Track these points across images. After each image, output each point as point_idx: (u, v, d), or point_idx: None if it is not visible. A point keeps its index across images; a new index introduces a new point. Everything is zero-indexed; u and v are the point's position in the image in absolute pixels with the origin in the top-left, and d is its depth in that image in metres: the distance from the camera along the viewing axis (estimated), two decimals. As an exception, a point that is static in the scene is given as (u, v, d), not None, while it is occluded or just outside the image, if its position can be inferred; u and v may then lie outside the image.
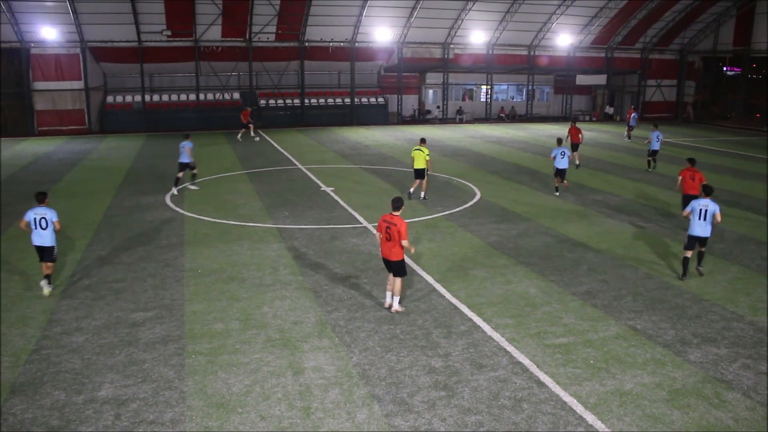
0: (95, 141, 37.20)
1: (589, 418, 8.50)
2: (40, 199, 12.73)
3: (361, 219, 18.76)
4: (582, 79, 51.84)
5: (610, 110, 54.96)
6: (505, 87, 53.75)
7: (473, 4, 44.26)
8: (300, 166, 28.10)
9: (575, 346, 10.60)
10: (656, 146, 28.29)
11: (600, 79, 52.79)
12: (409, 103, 49.95)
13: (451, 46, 48.36)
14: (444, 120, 49.65)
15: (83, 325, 11.21)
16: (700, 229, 13.88)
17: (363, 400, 8.83)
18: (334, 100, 46.56)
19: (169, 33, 40.56)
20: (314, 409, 8.62)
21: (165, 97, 43.33)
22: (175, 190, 22.19)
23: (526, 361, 10.02)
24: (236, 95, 44.49)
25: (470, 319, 11.61)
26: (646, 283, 13.80)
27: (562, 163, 22.35)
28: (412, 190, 21.78)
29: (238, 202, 20.89)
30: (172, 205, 20.38)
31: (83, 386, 9.14)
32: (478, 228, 17.92)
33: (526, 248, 16.15)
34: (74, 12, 37.68)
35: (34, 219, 12.42)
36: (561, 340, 10.84)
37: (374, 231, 17.35)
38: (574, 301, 12.63)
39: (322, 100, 46.30)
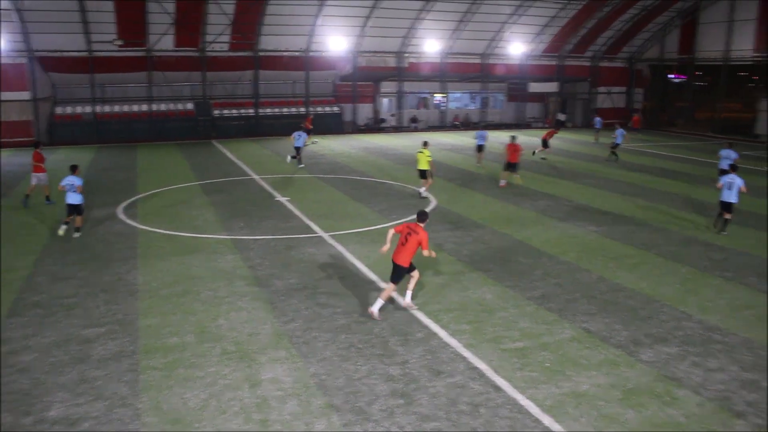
0: (44, 153, 36.29)
1: (546, 420, 8.62)
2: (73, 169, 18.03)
3: (317, 228, 18.71)
4: (534, 87, 52.67)
5: (562, 117, 55.89)
6: (459, 95, 54.25)
7: (427, 13, 44.65)
8: (255, 176, 27.92)
9: (531, 350, 10.75)
10: (619, 140, 33.95)
11: (552, 87, 53.69)
12: (364, 111, 50.04)
13: (406, 55, 48.65)
14: (399, 128, 49.87)
15: (32, 343, 10.92)
16: (730, 196, 18.36)
17: (321, 411, 8.81)
18: (289, 109, 46.40)
19: (120, 42, 39.92)
20: (272, 421, 8.56)
21: (116, 108, 42.56)
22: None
23: (483, 366, 10.12)
24: (189, 105, 44.00)
25: (427, 326, 11.68)
26: (599, 286, 14.07)
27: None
28: (423, 192, 23.34)
29: (192, 214, 20.65)
30: (124, 218, 20.04)
31: (32, 407, 8.90)
32: (434, 235, 18.02)
33: (481, 254, 16.32)
34: (21, 20, 36.83)
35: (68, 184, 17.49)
36: (517, 344, 10.98)
37: (330, 240, 17.37)
38: (530, 306, 12.80)
39: (277, 110, 46.08)
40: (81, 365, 10.10)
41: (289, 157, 31.34)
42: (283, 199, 22.84)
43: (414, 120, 50.80)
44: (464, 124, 52.21)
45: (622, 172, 30.31)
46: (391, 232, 12.60)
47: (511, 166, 26.03)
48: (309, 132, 38.02)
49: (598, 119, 45.90)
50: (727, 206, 18.65)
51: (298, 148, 30.38)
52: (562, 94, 55.78)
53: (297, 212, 20.84)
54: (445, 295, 13.36)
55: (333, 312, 12.35)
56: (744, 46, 48.06)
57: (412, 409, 8.85)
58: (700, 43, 51.60)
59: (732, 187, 18.49)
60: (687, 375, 9.99)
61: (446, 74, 50.35)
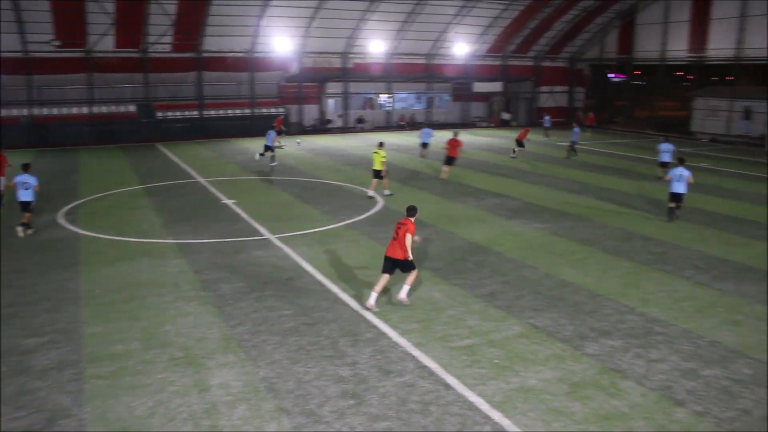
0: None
1: (496, 416, 8.76)
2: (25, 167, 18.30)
3: (264, 231, 18.59)
4: (479, 87, 53.30)
5: (506, 116, 56.71)
6: (405, 95, 54.53)
7: (372, 14, 44.78)
8: (200, 179, 27.56)
9: (480, 347, 10.90)
10: (575, 138, 35.54)
11: (496, 86, 54.42)
12: (311, 112, 49.87)
13: (351, 55, 48.69)
14: (345, 129, 49.86)
15: (-30, 354, 10.60)
16: (678, 187, 19.72)
17: (271, 414, 8.78)
18: (234, 111, 45.90)
19: (58, 43, 38.89)
20: (221, 426, 8.49)
21: (55, 111, 41.42)
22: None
23: (432, 365, 10.22)
24: (132, 107, 43.11)
25: (376, 326, 11.74)
26: (545, 282, 14.35)
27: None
28: (370, 192, 23.54)
29: (136, 218, 20.28)
30: (65, 224, 19.55)
31: (-28, 419, 8.64)
32: (382, 236, 18.09)
33: (429, 253, 16.47)
34: (-48, 21, 35.60)
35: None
36: (466, 341, 11.12)
37: (278, 242, 17.32)
38: (478, 303, 12.98)
39: (221, 112, 45.54)
40: (21, 377, 9.82)
41: (257, 155, 32.29)
42: (229, 202, 22.61)
43: (360, 120, 50.87)
44: (410, 125, 52.49)
45: (566, 169, 30.93)
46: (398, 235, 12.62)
47: (450, 160, 27.74)
48: (279, 132, 37.41)
49: (547, 117, 46.96)
50: (677, 197, 19.96)
51: (267, 147, 31.03)
52: (506, 94, 56.61)
53: (244, 215, 20.66)
54: (393, 294, 13.43)
55: (281, 315, 12.30)
56: (679, 47, 49.62)
57: (362, 410, 8.89)
58: (637, 43, 53.09)
59: (681, 179, 19.81)
60: (630, 366, 10.28)
61: (392, 75, 50.56)
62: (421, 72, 51.93)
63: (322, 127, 49.62)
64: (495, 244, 17.49)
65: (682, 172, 19.88)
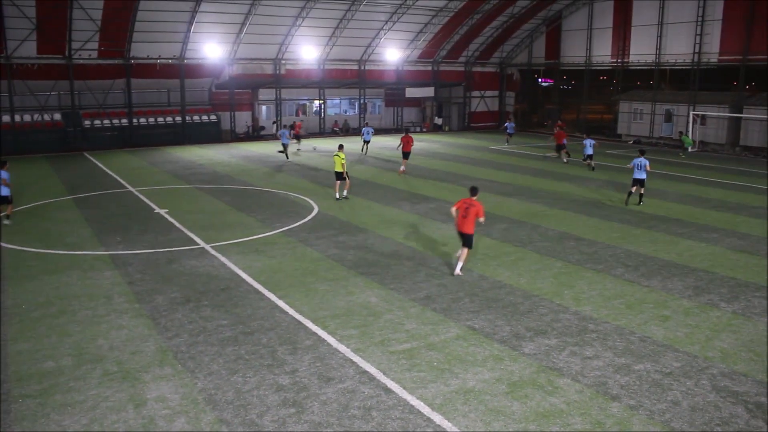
0: None
1: (437, 418, 8.83)
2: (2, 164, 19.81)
3: (198, 240, 18.27)
4: (411, 92, 53.72)
5: (439, 121, 57.34)
6: (337, 101, 54.54)
7: (303, 20, 44.59)
8: (131, 188, 26.89)
9: (418, 351, 10.98)
10: (510, 129, 40.77)
11: (428, 92, 54.94)
12: (243, 119, 49.30)
13: (283, 61, 48.38)
14: (278, 136, 49.44)
15: None
16: (639, 174, 23.00)
17: (211, 426, 8.62)
18: (165, 118, 44.96)
19: (-26, 50, 37.36)
20: (159, 441, 8.30)
21: (-27, 120, 39.72)
22: None
23: (372, 370, 10.24)
24: (57, 116, 41.73)
25: (315, 333, 11.69)
26: (481, 284, 14.56)
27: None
28: (337, 194, 24.32)
29: (65, 230, 19.63)
30: (-13, 238, 18.77)
31: None
32: (318, 242, 18.06)
33: (365, 258, 16.50)
34: None
35: None
36: (404, 345, 11.18)
37: (213, 251, 17.04)
38: (415, 307, 13.07)
39: (151, 119, 44.53)
40: (-56, 398, 9.38)
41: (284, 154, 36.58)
42: (162, 211, 22.13)
43: (293, 127, 50.50)
44: (343, 130, 52.50)
45: (497, 172, 31.48)
46: (453, 209, 15.42)
47: (405, 155, 31.43)
48: (297, 138, 40.77)
49: (509, 124, 46.91)
50: (639, 182, 23.33)
51: (285, 145, 36.44)
52: (438, 99, 57.23)
53: (177, 224, 20.26)
54: (330, 301, 13.41)
55: (218, 325, 12.12)
56: (603, 52, 51.22)
57: (304, 418, 8.83)
58: (564, 49, 54.58)
59: (641, 167, 23.10)
60: (566, 364, 10.53)
61: (324, 81, 50.48)
62: (353, 78, 52.04)
63: (254, 134, 49.10)
64: (430, 248, 17.65)
65: (641, 161, 23.15)
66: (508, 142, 45.79)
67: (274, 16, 43.49)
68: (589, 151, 32.65)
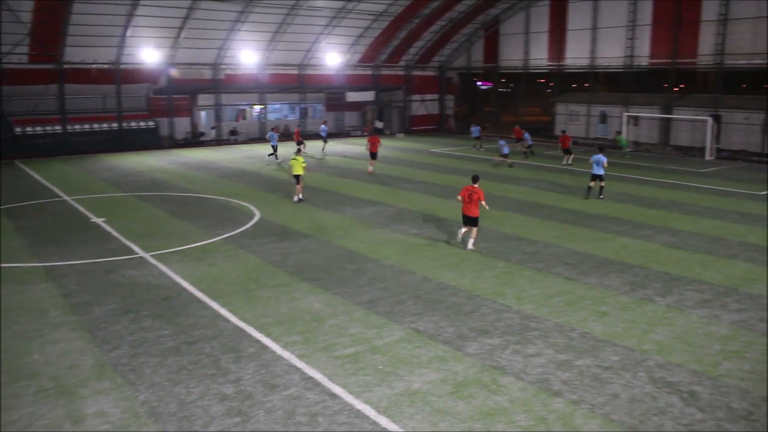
0: None
1: (383, 421, 8.85)
2: None
3: (137, 249, 17.87)
4: (352, 96, 53.75)
5: (380, 125, 57.49)
6: (278, 106, 54.15)
7: (242, 24, 44.17)
8: (66, 197, 26.12)
9: (363, 355, 10.98)
10: (476, 133, 39.57)
11: (369, 96, 55.07)
12: (182, 125, 48.44)
13: (222, 66, 47.80)
14: (219, 141, 48.85)
15: None
16: (597, 170, 24.88)
17: (152, 439, 8.45)
18: (101, 125, 43.82)
19: None
20: (98, 456, 8.08)
21: None
22: None
23: (317, 375, 10.19)
24: (-15, 123, 40.22)
25: (259, 341, 11.57)
26: (424, 286, 14.66)
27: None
28: (300, 196, 24.72)
29: (-5, 242, 18.96)
30: None
31: None
32: (260, 248, 17.90)
33: (308, 264, 16.43)
34: None
35: None
36: (349, 350, 11.17)
37: (152, 260, 16.70)
38: (359, 311, 13.07)
39: (87, 126, 43.32)
40: None
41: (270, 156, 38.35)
42: (98, 221, 21.57)
43: (234, 132, 49.94)
44: (285, 135, 52.14)
45: (439, 175, 31.76)
46: (459, 196, 17.99)
47: (373, 156, 32.53)
48: (299, 143, 39.83)
49: (475, 128, 46.43)
50: (597, 177, 25.09)
51: (274, 147, 38.28)
52: (378, 103, 57.43)
53: (115, 233, 19.78)
54: (274, 307, 13.30)
55: (160, 335, 11.88)
56: (540, 56, 52.30)
57: (249, 427, 8.73)
58: (502, 52, 55.50)
59: (599, 163, 24.85)
60: (509, 363, 10.69)
61: (264, 85, 50.08)
62: (293, 82, 51.76)
63: (194, 140, 48.34)
64: (373, 251, 17.69)
65: (599, 158, 24.89)
66: (476, 147, 44.64)
67: (212, 21, 42.94)
68: (506, 150, 34.82)
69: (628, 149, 41.55)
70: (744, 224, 21.21)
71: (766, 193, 27.41)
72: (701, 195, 26.72)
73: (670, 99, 45.32)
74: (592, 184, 25.44)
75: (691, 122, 42.39)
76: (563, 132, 40.38)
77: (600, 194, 25.36)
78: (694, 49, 42.53)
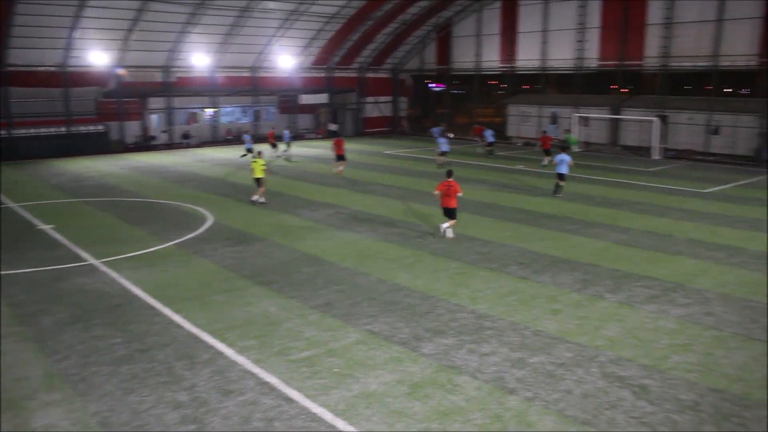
0: None
1: (340, 424, 8.84)
2: None
3: (86, 256, 17.50)
4: (305, 99, 53.57)
5: (333, 127, 57.34)
6: (230, 109, 53.62)
7: (193, 26, 43.64)
8: (12, 204, 25.41)
9: (319, 358, 10.96)
10: (445, 148, 36.10)
11: (322, 98, 54.96)
12: (133, 129, 47.61)
13: (173, 69, 47.16)
14: (171, 145, 48.16)
15: None
16: (561, 168, 25.81)
17: (104, 450, 8.29)
18: (48, 129, 42.75)
19: None
20: (48, 469, 7.90)
21: None
22: None
23: (273, 380, 10.14)
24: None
25: (213, 347, 11.45)
26: (379, 288, 14.70)
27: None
28: (263, 199, 24.88)
29: (-63, 251, 18.35)
30: None
31: None
32: (213, 253, 17.71)
33: (263, 267, 16.32)
34: None
35: None
36: (305, 353, 11.13)
37: (103, 267, 16.38)
38: (314, 314, 13.04)
39: (33, 130, 42.23)
40: None
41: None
42: (46, 227, 21.05)
43: (186, 136, 49.31)
44: (237, 138, 51.67)
45: (393, 176, 31.86)
46: (437, 192, 19.33)
47: (340, 158, 32.62)
48: (274, 146, 41.10)
49: (437, 129, 45.96)
50: (560, 176, 26.00)
51: (249, 149, 38.70)
52: (332, 105, 57.35)
53: (64, 240, 19.33)
54: (228, 312, 13.18)
55: (111, 343, 11.65)
56: (492, 58, 52.90)
57: (203, 434, 8.64)
58: (455, 54, 55.99)
59: (562, 163, 25.75)
60: (465, 362, 10.78)
61: (216, 88, 49.56)
62: (246, 85, 51.35)
63: (145, 144, 47.56)
64: (328, 254, 17.66)
65: (563, 158, 25.85)
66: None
67: (162, 23, 42.35)
68: (444, 148, 35.33)
69: (577, 149, 42.18)
70: (689, 221, 21.80)
71: (710, 191, 28.22)
72: (649, 193, 27.35)
73: (619, 100, 46.29)
74: (561, 183, 26.35)
75: (639, 122, 43.37)
76: (544, 132, 41.00)
77: (556, 192, 26.28)
78: (641, 52, 43.57)
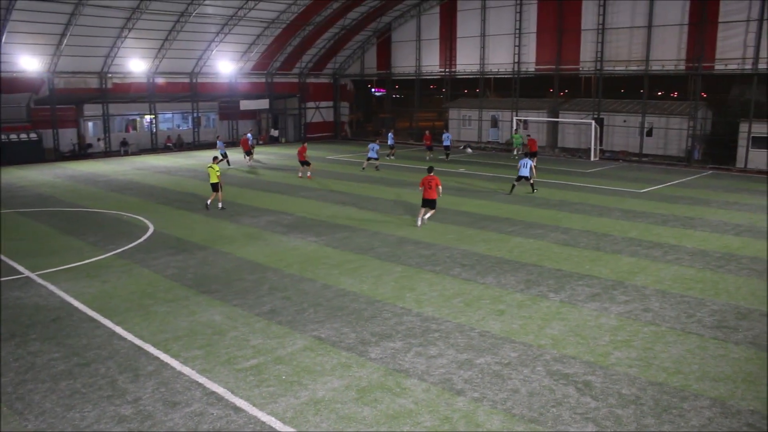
0: None
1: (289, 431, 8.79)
2: None
3: (21, 269, 16.91)
4: (246, 104, 53.01)
5: (275, 133, 57.06)
6: (170, 115, 52.71)
7: (129, 31, 42.69)
8: (-61, 216, 24.41)
9: (266, 366, 10.85)
10: (373, 154, 36.35)
11: (263, 104, 54.50)
12: (68, 137, 46.32)
13: (110, 75, 46.06)
14: (108, 153, 47.03)
15: None
16: (524, 172, 27.49)
17: (45, 468, 8.02)
18: (-24, 138, 41.23)
19: None
20: (-15, 491, 7.60)
21: None
22: None
23: (220, 390, 9.99)
24: None
25: (157, 358, 11.21)
26: (324, 294, 14.64)
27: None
28: (209, 201, 25.07)
29: None
30: None
31: None
32: (155, 262, 17.36)
33: (206, 276, 16.08)
34: None
35: None
36: (252, 362, 11.01)
37: (39, 280, 15.86)
38: (260, 322, 12.91)
39: (-40, 140, 40.69)
40: None
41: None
42: (-23, 240, 20.29)
43: (124, 143, 48.23)
44: (177, 145, 50.84)
45: (335, 182, 31.81)
46: (420, 186, 21.47)
47: (304, 163, 33.08)
48: (248, 153, 39.59)
49: (389, 134, 44.36)
50: (521, 178, 27.58)
51: (223, 155, 37.74)
52: (273, 111, 56.96)
53: (-4, 253, 18.67)
54: (172, 322, 12.93)
55: (50, 359, 11.28)
56: (432, 62, 53.36)
57: (149, 447, 8.45)
58: (395, 59, 56.27)
59: (526, 166, 27.46)
60: (412, 365, 10.83)
61: (155, 95, 48.65)
62: (185, 91, 50.55)
63: (81, 152, 46.31)
64: (272, 260, 17.52)
65: (526, 162, 27.59)
66: (392, 155, 43.02)
67: (97, 27, 41.27)
68: (373, 154, 35.99)
69: (518, 151, 42.76)
70: (627, 221, 22.43)
71: (645, 191, 29.10)
72: (588, 194, 28.04)
73: (556, 103, 47.32)
74: (516, 182, 27.90)
75: (576, 125, 44.41)
76: (528, 135, 42.09)
77: (510, 192, 27.85)
78: (577, 56, 44.62)
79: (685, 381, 10.23)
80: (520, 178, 27.72)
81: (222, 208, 24.87)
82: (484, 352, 11.36)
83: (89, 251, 18.66)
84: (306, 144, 35.03)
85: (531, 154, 37.11)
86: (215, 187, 24.73)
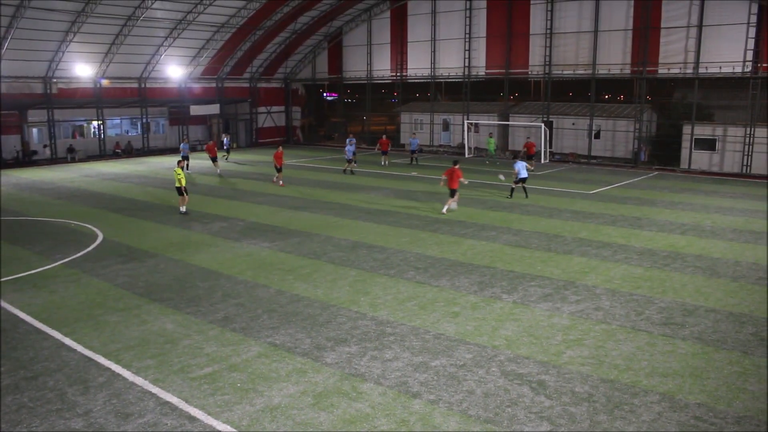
0: None
1: (243, 440, 8.70)
2: None
3: (-36, 280, 16.40)
4: (196, 110, 52.33)
5: (225, 138, 56.42)
6: (118, 121, 51.72)
7: (74, 35, 41.77)
8: None
9: (220, 374, 10.73)
10: (350, 155, 36.91)
11: (213, 109, 53.92)
12: (11, 143, 45.06)
13: (54, 80, 44.98)
14: (54, 160, 45.90)
15: None
16: (523, 174, 27.59)
17: (-9, 485, 7.78)
18: None
19: None
20: None
21: None
22: None
23: (174, 399, 9.84)
24: None
25: (108, 369, 10.98)
26: (278, 299, 14.55)
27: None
28: (182, 208, 24.98)
29: None
30: None
31: None
32: (104, 271, 17.00)
33: (157, 284, 15.82)
34: None
35: None
36: (206, 370, 10.87)
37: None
38: (213, 329, 12.76)
39: None
40: None
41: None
42: None
43: (71, 150, 47.13)
44: (126, 152, 49.92)
45: (290, 187, 31.65)
46: (444, 177, 24.62)
47: (278, 169, 32.54)
48: (214, 160, 38.82)
49: (350, 139, 42.43)
50: (522, 180, 27.66)
51: (185, 158, 36.53)
52: (224, 116, 56.40)
53: (-64, 264, 18.04)
54: (122, 332, 12.68)
55: (-5, 372, 10.97)
56: (383, 66, 53.56)
57: (100, 460, 8.27)
58: (346, 63, 56.32)
59: (522, 169, 27.51)
60: (368, 369, 10.84)
61: (102, 100, 47.68)
62: (134, 96, 49.67)
63: (26, 159, 45.09)
64: (225, 267, 17.34)
65: (521, 165, 27.64)
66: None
67: (41, 31, 40.27)
68: (350, 155, 36.85)
69: (491, 157, 42.61)
70: (577, 221, 22.86)
71: (594, 192, 29.70)
72: (539, 196, 28.48)
73: (507, 107, 47.95)
74: (515, 186, 28.16)
75: (527, 128, 45.06)
76: (528, 138, 42.17)
77: (509, 195, 28.34)
78: (526, 60, 45.33)
79: (636, 377, 10.47)
80: (518, 180, 27.81)
81: (185, 212, 24.83)
82: (439, 354, 11.43)
83: (35, 261, 18.18)
84: (281, 148, 34.32)
85: (528, 157, 37.84)
86: (180, 191, 24.70)
